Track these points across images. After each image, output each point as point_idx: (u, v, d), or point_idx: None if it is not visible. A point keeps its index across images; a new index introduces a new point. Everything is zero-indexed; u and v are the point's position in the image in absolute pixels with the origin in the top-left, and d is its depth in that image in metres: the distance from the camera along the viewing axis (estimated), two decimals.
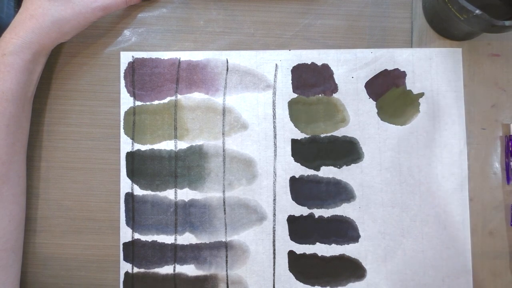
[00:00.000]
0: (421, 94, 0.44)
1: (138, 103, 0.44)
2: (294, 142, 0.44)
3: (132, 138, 0.44)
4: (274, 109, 0.44)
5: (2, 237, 0.39)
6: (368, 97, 0.44)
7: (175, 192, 0.44)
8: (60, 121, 0.45)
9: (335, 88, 0.44)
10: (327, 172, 0.44)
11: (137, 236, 0.44)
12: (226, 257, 0.43)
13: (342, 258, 0.43)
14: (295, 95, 0.44)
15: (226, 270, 0.43)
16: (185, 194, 0.44)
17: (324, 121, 0.44)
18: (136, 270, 0.43)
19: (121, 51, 0.45)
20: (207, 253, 0.43)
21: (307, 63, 0.45)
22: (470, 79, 0.44)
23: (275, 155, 0.44)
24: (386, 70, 0.44)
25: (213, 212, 0.44)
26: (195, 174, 0.44)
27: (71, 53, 0.45)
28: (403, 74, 0.44)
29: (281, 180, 0.44)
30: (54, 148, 0.45)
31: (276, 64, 0.45)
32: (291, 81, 0.44)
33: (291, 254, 0.43)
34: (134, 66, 0.45)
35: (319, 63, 0.44)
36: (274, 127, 0.44)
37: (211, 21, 0.45)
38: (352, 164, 0.44)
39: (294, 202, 0.44)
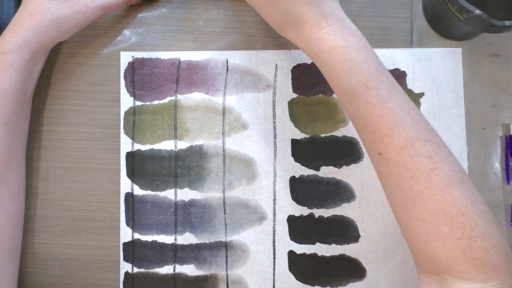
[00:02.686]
0: (421, 94, 0.44)
1: (138, 103, 0.44)
2: (294, 142, 0.44)
3: (132, 138, 0.44)
4: (274, 109, 0.44)
5: None
6: None
7: (175, 192, 0.44)
8: (60, 121, 0.45)
9: None
10: (327, 172, 0.44)
11: (137, 236, 0.44)
12: (226, 257, 0.43)
13: (342, 258, 0.43)
14: (295, 95, 0.44)
15: (226, 270, 0.43)
16: (185, 194, 0.44)
17: (324, 121, 0.44)
18: (136, 270, 0.43)
19: (121, 51, 0.45)
20: (207, 253, 0.43)
21: (307, 63, 0.45)
22: (470, 79, 0.44)
23: (275, 155, 0.44)
24: None
25: (213, 212, 0.44)
26: (195, 174, 0.44)
27: (71, 53, 0.45)
28: (403, 74, 0.44)
29: (281, 180, 0.44)
30: (54, 148, 0.45)
31: (276, 64, 0.45)
32: (291, 81, 0.45)
33: (291, 254, 0.43)
34: (134, 66, 0.45)
35: None
36: (274, 127, 0.44)
37: (211, 21, 0.45)
38: (352, 164, 0.44)
39: (294, 202, 0.44)
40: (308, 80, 0.44)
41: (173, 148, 0.44)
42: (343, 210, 0.44)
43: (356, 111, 0.33)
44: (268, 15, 0.35)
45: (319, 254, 0.43)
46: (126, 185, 0.44)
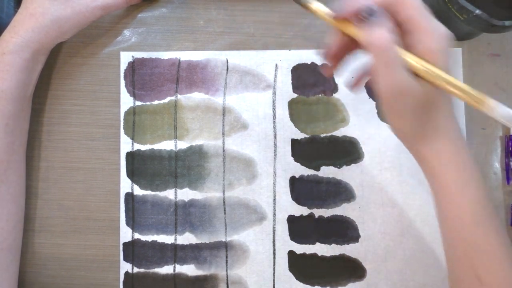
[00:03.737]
0: None
1: (138, 103, 0.44)
2: (294, 142, 0.44)
3: (132, 138, 0.44)
4: (274, 109, 0.44)
5: None
6: (368, 97, 0.44)
7: (175, 192, 0.44)
8: (60, 121, 0.45)
9: (335, 88, 0.44)
10: (327, 172, 0.44)
11: (137, 236, 0.44)
12: (226, 257, 0.43)
13: (342, 258, 0.43)
14: (295, 95, 0.44)
15: (226, 270, 0.43)
16: (185, 194, 0.44)
17: (324, 121, 0.44)
18: (136, 270, 0.43)
19: (121, 51, 0.45)
20: (207, 253, 0.43)
21: (307, 63, 0.45)
22: (470, 79, 0.44)
23: (275, 155, 0.44)
24: None
25: (213, 212, 0.44)
26: (195, 174, 0.44)
27: (71, 53, 0.45)
28: None
29: (281, 180, 0.44)
30: (54, 148, 0.45)
31: (276, 64, 0.45)
32: (291, 81, 0.45)
33: (291, 254, 0.43)
34: (134, 66, 0.45)
35: (319, 63, 0.44)
36: (274, 127, 0.44)
37: (211, 21, 0.45)
38: (352, 164, 0.44)
39: (294, 202, 0.44)
40: (308, 80, 0.44)
41: (173, 148, 0.44)
42: (343, 210, 0.44)
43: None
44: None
45: (319, 254, 0.43)
46: (126, 185, 0.44)
